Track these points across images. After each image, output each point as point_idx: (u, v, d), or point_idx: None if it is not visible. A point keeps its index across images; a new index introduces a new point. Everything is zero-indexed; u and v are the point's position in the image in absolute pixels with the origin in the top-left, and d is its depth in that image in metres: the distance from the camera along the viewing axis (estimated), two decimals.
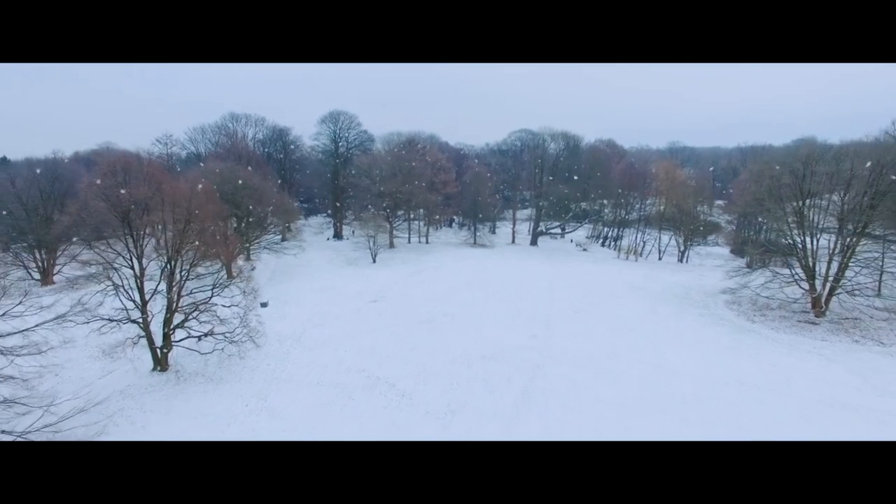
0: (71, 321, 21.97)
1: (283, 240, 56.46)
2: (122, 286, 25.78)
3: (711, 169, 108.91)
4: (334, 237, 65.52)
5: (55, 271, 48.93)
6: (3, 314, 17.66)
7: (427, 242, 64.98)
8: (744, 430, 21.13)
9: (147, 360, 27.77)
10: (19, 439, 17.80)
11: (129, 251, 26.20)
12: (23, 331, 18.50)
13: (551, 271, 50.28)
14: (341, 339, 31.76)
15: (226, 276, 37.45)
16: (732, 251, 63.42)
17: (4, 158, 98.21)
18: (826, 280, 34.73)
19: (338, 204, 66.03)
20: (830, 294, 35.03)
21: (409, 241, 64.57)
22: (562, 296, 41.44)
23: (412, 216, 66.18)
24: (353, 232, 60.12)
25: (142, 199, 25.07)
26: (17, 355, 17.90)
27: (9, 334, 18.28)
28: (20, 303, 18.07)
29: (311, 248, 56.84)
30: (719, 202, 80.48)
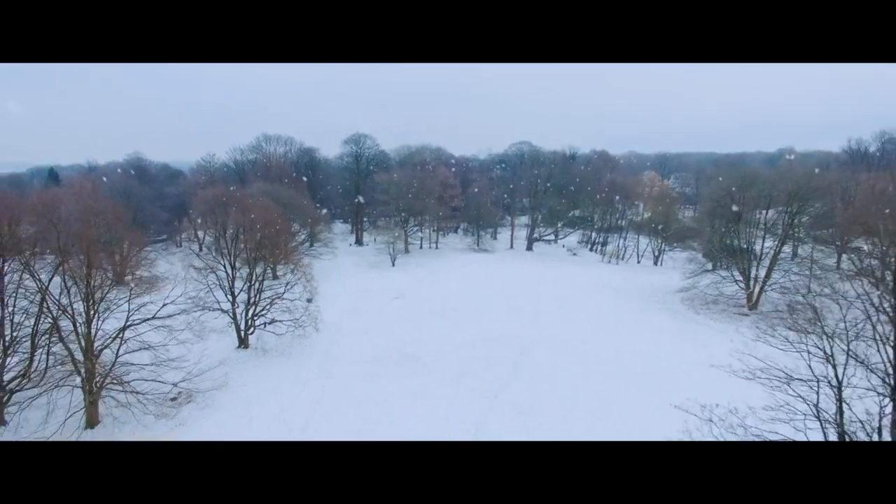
0: (183, 311, 31.33)
1: (311, 245, 65.83)
2: (219, 284, 35.24)
3: (696, 180, 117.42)
4: (356, 243, 75.02)
5: (126, 273, 58.45)
6: (173, 301, 27.09)
7: (437, 248, 74.37)
8: (665, 386, 30.13)
9: (230, 341, 37.06)
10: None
11: (223, 258, 35.68)
12: (178, 314, 27.92)
13: (543, 273, 59.42)
14: (374, 328, 41.03)
15: (273, 277, 46.78)
16: (704, 255, 72.32)
17: (52, 170, 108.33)
18: (756, 280, 43.86)
19: (357, 211, 75.65)
20: (760, 292, 44.10)
21: (421, 247, 73.94)
22: (550, 294, 50.62)
23: (424, 225, 75.49)
24: (375, 239, 69.65)
25: (238, 222, 34.47)
26: (180, 331, 27.31)
27: (170, 316, 27.71)
28: (181, 294, 27.51)
29: (338, 253, 66.22)
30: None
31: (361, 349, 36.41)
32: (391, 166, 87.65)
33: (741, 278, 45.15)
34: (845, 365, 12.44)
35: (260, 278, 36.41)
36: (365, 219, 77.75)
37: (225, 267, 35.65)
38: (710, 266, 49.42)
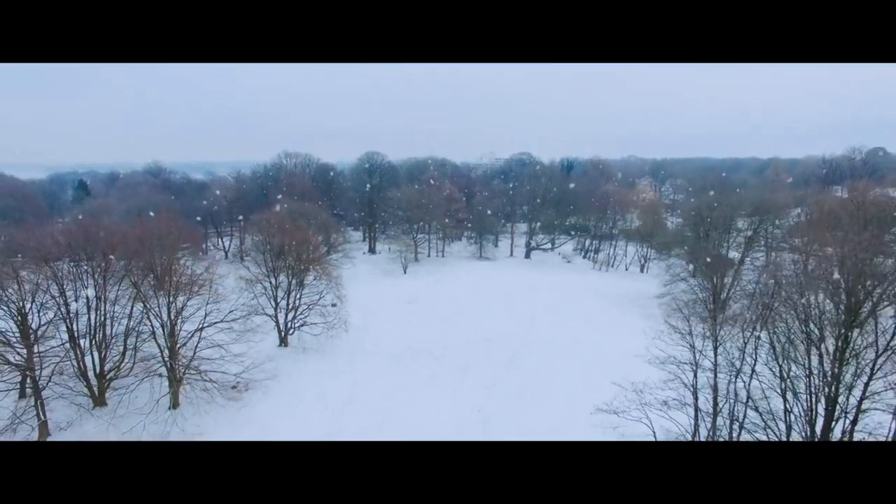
0: (243, 316, 38.31)
1: (329, 254, 72.81)
2: (265, 293, 42.26)
3: (687, 189, 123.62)
4: (369, 251, 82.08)
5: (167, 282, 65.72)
6: (238, 308, 34.11)
7: (443, 256, 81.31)
8: (625, 371, 36.65)
9: (273, 341, 43.98)
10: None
11: (268, 271, 42.76)
12: (239, 318, 34.92)
13: (539, 280, 66.26)
14: (392, 328, 47.97)
15: (300, 284, 53.79)
16: (688, 263, 78.89)
17: (81, 181, 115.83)
18: (722, 287, 50.63)
19: (370, 222, 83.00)
20: (727, 297, 50.79)
21: (429, 255, 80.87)
22: (544, 299, 57.47)
23: (431, 233, 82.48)
24: (389, 249, 76.78)
25: (283, 244, 41.66)
26: (243, 332, 34.34)
27: (233, 319, 34.73)
28: (244, 304, 34.53)
29: (354, 261, 73.25)
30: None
31: (383, 346, 43.37)
32: (400, 178, 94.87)
33: (709, 285, 51.86)
34: (699, 353, 19.16)
35: (299, 287, 43.41)
36: (376, 226, 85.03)
37: (269, 278, 42.73)
38: (684, 274, 56.09)
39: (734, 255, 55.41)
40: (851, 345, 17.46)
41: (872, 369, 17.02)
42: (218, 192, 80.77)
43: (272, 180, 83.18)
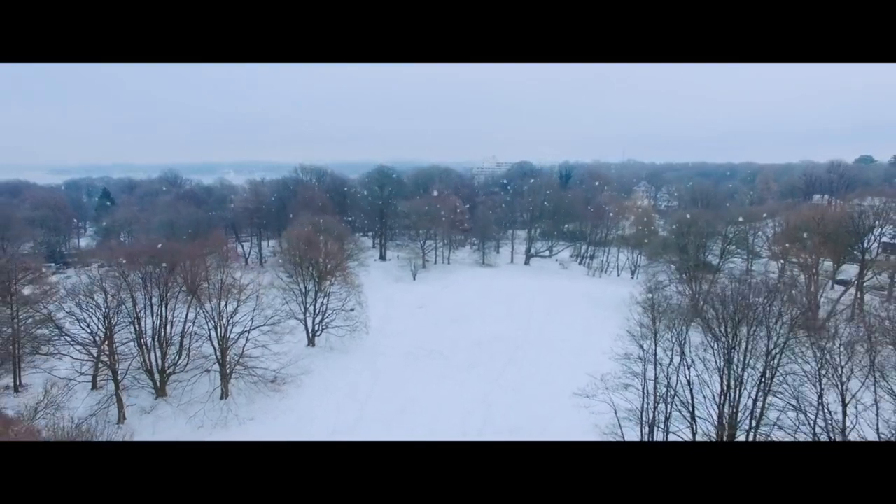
0: (281, 319, 44.54)
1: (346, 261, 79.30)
2: (296, 300, 48.51)
3: (680, 196, 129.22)
4: (380, 258, 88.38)
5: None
6: (277, 313, 40.35)
7: (448, 263, 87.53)
8: (603, 368, 42.91)
9: (302, 342, 50.17)
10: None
11: (299, 280, 49.03)
12: (279, 322, 41.19)
13: (536, 286, 72.33)
14: (406, 330, 54.15)
15: (318, 290, 60.15)
16: (677, 268, 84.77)
17: (105, 189, 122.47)
18: (701, 293, 56.71)
19: (381, 231, 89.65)
20: (704, 303, 56.82)
21: (435, 262, 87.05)
22: (540, 303, 63.58)
23: (437, 239, 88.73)
24: (398, 256, 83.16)
25: (311, 257, 47.96)
26: (282, 334, 40.62)
27: (274, 323, 40.98)
28: (280, 309, 40.79)
29: (368, 269, 79.53)
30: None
31: (398, 346, 49.58)
32: (407, 187, 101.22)
33: (689, 291, 57.94)
34: (647, 349, 25.32)
35: (325, 295, 49.71)
36: (388, 232, 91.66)
37: (300, 286, 49.04)
38: (665, 282, 62.23)
39: (717, 261, 61.46)
40: (740, 349, 23.83)
41: (763, 372, 23.47)
42: (234, 199, 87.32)
43: (289, 191, 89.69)
